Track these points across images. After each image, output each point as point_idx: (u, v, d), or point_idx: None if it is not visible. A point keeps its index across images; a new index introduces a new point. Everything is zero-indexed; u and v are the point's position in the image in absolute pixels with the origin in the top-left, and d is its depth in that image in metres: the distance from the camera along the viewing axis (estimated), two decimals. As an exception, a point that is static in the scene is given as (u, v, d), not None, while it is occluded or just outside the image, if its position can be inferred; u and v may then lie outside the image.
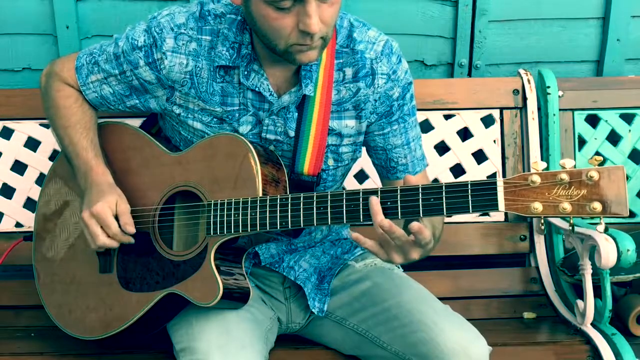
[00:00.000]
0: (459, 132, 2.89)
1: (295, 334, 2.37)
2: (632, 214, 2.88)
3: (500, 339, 2.41)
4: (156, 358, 2.30)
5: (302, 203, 1.98)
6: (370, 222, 1.89)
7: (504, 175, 2.82)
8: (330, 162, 2.22)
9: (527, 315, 2.71)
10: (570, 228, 1.76)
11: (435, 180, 2.84)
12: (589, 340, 2.42)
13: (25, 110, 2.79)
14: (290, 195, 2.00)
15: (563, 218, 2.56)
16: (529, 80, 2.86)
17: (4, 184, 2.83)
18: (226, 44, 2.12)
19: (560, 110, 2.84)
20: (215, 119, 2.18)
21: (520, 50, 3.09)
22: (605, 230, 1.73)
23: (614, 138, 2.90)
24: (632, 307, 2.52)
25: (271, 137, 2.17)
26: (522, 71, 2.90)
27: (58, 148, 2.34)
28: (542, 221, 1.77)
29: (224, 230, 2.04)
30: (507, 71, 3.09)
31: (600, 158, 1.72)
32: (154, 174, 2.21)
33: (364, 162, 2.76)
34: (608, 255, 2.32)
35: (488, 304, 2.78)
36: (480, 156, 2.88)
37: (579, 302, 2.51)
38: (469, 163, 2.89)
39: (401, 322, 2.12)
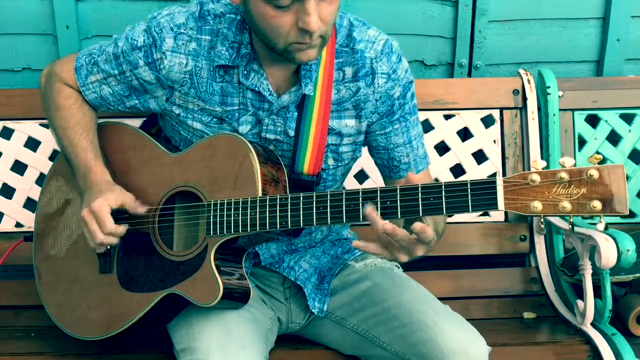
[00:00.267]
0: (459, 132, 2.89)
1: (295, 334, 2.37)
2: (632, 214, 2.88)
3: (500, 339, 2.41)
4: (156, 358, 2.30)
5: (301, 203, 1.98)
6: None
7: (504, 176, 2.82)
8: (330, 161, 2.22)
9: (527, 315, 2.71)
10: (570, 227, 1.76)
11: (435, 180, 2.84)
12: (589, 340, 2.42)
13: (25, 110, 2.79)
14: (290, 195, 2.00)
15: (563, 217, 2.55)
16: (529, 80, 2.86)
17: (4, 184, 2.83)
18: (226, 44, 2.12)
19: (560, 110, 2.84)
20: (215, 119, 2.18)
21: (520, 50, 3.09)
22: (606, 229, 1.73)
23: (614, 138, 2.90)
24: (632, 307, 2.52)
25: (271, 136, 2.17)
26: (522, 71, 2.90)
27: (58, 148, 2.34)
28: (542, 220, 1.77)
29: (224, 231, 2.04)
30: (507, 71, 3.09)
31: (600, 156, 1.72)
32: (154, 174, 2.21)
33: (364, 162, 2.77)
34: (608, 255, 2.31)
35: (488, 304, 2.78)
36: (480, 156, 2.88)
37: (579, 302, 2.51)
38: (469, 163, 2.89)
39: (401, 322, 2.12)
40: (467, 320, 2.14)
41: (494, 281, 2.82)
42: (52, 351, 2.38)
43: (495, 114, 2.87)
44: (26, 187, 2.83)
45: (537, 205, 1.73)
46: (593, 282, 2.45)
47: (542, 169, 1.75)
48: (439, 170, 2.87)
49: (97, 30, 2.97)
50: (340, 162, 2.25)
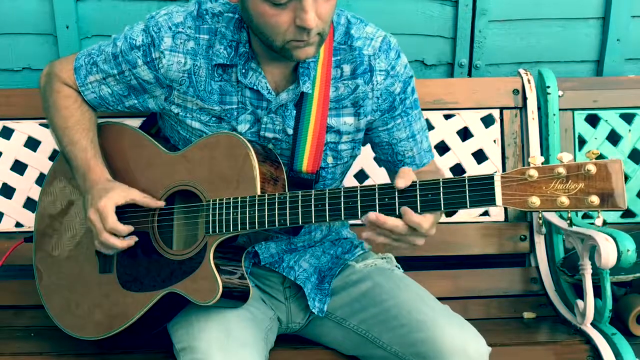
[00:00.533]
0: (459, 132, 2.89)
1: (295, 334, 2.37)
2: (632, 214, 2.88)
3: (500, 339, 2.41)
4: (156, 358, 2.30)
5: (300, 201, 1.98)
6: None
7: (504, 175, 2.83)
8: (329, 159, 2.22)
9: (527, 315, 2.71)
10: (569, 222, 1.76)
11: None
12: (589, 340, 2.42)
13: (25, 110, 2.80)
14: (288, 193, 2.00)
15: (560, 213, 2.55)
16: (529, 80, 2.86)
17: (4, 184, 2.84)
18: (224, 43, 2.13)
19: (560, 110, 2.84)
20: (213, 118, 2.18)
21: (520, 50, 3.09)
22: (604, 224, 1.73)
23: (614, 138, 2.90)
24: (632, 307, 2.51)
25: (269, 135, 2.17)
26: (522, 71, 2.91)
27: (58, 148, 2.34)
28: (540, 216, 1.77)
29: (223, 229, 2.04)
30: (507, 71, 3.09)
31: (597, 152, 1.71)
32: (153, 173, 2.21)
33: (364, 161, 2.77)
34: (608, 255, 2.31)
35: (488, 303, 2.77)
36: (480, 156, 2.88)
37: (579, 302, 2.51)
38: (469, 163, 2.89)
39: (401, 322, 2.12)
40: (467, 320, 2.14)
41: (493, 281, 2.82)
42: (51, 351, 2.38)
43: (495, 113, 2.87)
44: (26, 187, 2.83)
45: (535, 200, 1.73)
46: (593, 282, 2.45)
47: (540, 164, 1.75)
48: (439, 170, 2.87)
49: (97, 30, 2.97)
50: (339, 160, 2.25)
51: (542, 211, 1.74)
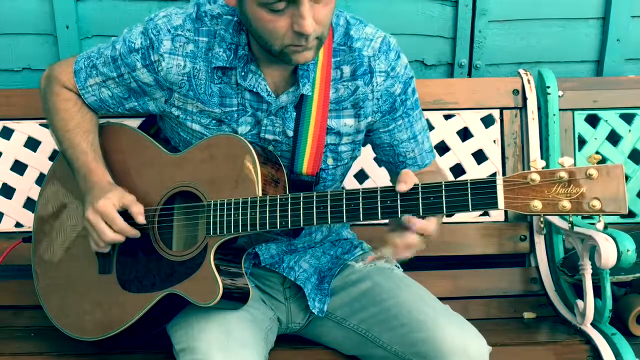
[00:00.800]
0: (459, 132, 2.89)
1: (295, 334, 2.37)
2: (632, 214, 2.88)
3: (500, 339, 2.41)
4: (156, 358, 2.30)
5: (301, 203, 1.98)
6: (370, 221, 1.90)
7: (504, 175, 2.82)
8: (330, 161, 2.22)
9: (527, 315, 2.71)
10: (570, 226, 1.76)
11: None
12: (589, 340, 2.42)
13: (25, 110, 2.80)
14: (289, 195, 2.00)
15: (562, 216, 2.55)
16: (529, 80, 2.86)
17: (4, 184, 2.84)
18: (223, 45, 2.12)
19: (560, 110, 2.84)
20: (214, 121, 2.17)
21: (520, 50, 3.08)
22: (605, 228, 1.73)
23: (614, 138, 2.90)
24: (632, 307, 2.51)
25: (270, 137, 2.17)
26: (522, 71, 2.90)
27: (58, 148, 2.34)
28: (542, 219, 1.77)
29: (224, 230, 2.04)
30: (507, 71, 3.09)
31: (599, 156, 1.72)
32: (154, 174, 2.20)
33: (364, 162, 2.77)
34: (608, 255, 2.31)
35: (488, 304, 2.77)
36: (480, 156, 2.88)
37: (579, 302, 2.51)
38: (469, 163, 2.89)
39: (401, 322, 2.12)
40: (467, 320, 2.14)
41: (493, 281, 2.82)
42: (51, 351, 2.38)
43: (495, 113, 2.87)
44: (26, 187, 2.83)
45: (537, 204, 1.74)
46: (593, 282, 2.45)
47: (542, 168, 1.75)
48: (439, 170, 2.87)
49: (97, 30, 2.97)
50: (340, 161, 2.25)
51: (543, 215, 1.74)
